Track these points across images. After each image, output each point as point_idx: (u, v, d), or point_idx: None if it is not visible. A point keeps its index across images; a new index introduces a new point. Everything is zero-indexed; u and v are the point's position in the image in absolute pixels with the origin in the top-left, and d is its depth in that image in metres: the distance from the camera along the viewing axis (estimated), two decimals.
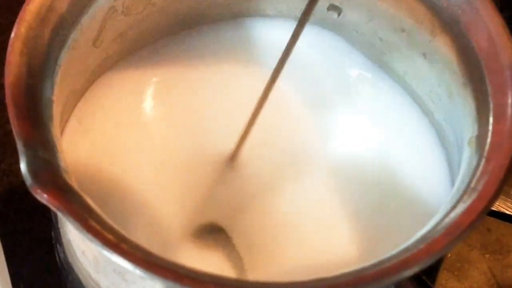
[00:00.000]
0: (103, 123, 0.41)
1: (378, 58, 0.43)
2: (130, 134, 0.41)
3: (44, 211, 0.46)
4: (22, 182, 0.49)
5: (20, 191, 0.50)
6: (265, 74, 0.38)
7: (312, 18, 0.44)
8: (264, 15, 0.45)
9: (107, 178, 0.40)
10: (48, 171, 0.30)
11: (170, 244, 0.39)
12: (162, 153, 0.42)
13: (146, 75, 0.43)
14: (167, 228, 0.40)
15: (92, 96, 0.41)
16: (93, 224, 0.30)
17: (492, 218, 0.48)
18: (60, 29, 0.35)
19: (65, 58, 0.36)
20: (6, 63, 0.33)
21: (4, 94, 0.53)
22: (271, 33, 0.45)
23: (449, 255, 0.47)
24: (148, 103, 0.42)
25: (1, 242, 0.43)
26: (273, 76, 0.36)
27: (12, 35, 0.34)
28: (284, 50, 0.36)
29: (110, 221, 0.30)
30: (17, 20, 0.34)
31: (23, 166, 0.30)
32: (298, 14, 0.44)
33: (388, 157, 0.41)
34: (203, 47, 0.44)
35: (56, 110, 0.34)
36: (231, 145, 0.40)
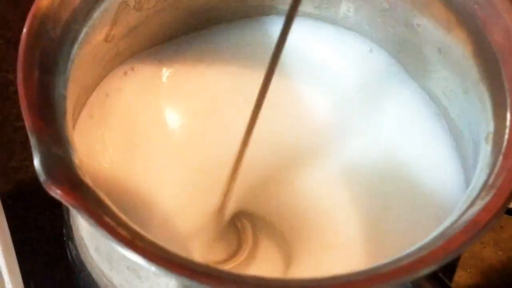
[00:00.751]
0: (114, 118, 0.41)
1: (392, 54, 0.43)
2: (141, 129, 0.41)
3: (55, 207, 0.46)
4: (32, 179, 0.49)
5: (30, 187, 0.49)
6: (281, 73, 0.37)
7: (325, 13, 0.44)
8: (279, 14, 0.44)
9: (118, 173, 0.39)
10: (61, 167, 0.30)
11: (182, 243, 0.39)
12: (174, 148, 0.41)
13: (158, 71, 0.42)
14: (182, 226, 0.39)
15: (103, 90, 0.41)
16: (108, 220, 0.29)
17: (505, 215, 0.48)
18: (72, 24, 0.35)
19: (77, 54, 0.35)
20: (18, 59, 0.33)
21: (12, 90, 0.53)
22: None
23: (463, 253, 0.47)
24: (159, 99, 0.42)
25: (12, 239, 0.43)
26: (268, 75, 0.35)
27: (24, 30, 0.33)
28: (275, 48, 0.35)
29: (125, 218, 0.30)
30: (29, 16, 0.34)
31: (36, 163, 0.30)
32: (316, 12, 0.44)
33: (401, 153, 0.41)
34: (216, 44, 0.43)
35: (69, 106, 0.34)
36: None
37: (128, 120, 0.41)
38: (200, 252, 0.42)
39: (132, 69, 0.42)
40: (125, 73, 0.42)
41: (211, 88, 0.43)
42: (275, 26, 0.44)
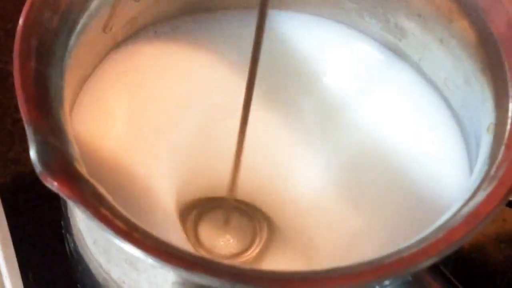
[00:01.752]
0: (110, 103, 0.40)
1: (393, 44, 0.43)
2: (137, 113, 0.40)
3: (53, 200, 0.46)
4: (31, 171, 0.48)
5: (29, 180, 0.49)
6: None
7: (326, 4, 0.43)
8: (285, 9, 0.44)
9: (111, 160, 0.39)
10: (58, 158, 0.30)
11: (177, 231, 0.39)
12: (167, 135, 0.41)
13: (154, 56, 0.42)
14: (170, 212, 0.39)
15: (99, 74, 0.40)
16: (105, 212, 0.29)
17: (507, 208, 0.48)
18: (69, 14, 0.35)
19: (74, 44, 0.35)
20: (15, 50, 0.33)
21: (11, 82, 0.53)
22: (292, 28, 0.44)
23: (464, 245, 0.47)
24: (154, 83, 0.41)
25: (10, 231, 0.43)
26: (251, 72, 0.35)
27: (20, 21, 0.33)
28: (254, 45, 0.35)
29: (122, 209, 0.30)
30: (25, 6, 0.34)
31: (32, 154, 0.30)
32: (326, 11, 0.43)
33: (405, 143, 0.41)
34: (215, 33, 0.43)
35: (66, 97, 0.33)
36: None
37: (124, 103, 0.40)
38: (210, 244, 0.42)
39: (128, 52, 0.41)
40: (121, 56, 0.41)
41: (208, 75, 0.42)
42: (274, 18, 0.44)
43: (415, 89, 0.42)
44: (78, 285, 0.41)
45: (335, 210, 0.41)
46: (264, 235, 0.44)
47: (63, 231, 0.41)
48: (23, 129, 0.49)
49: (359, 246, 0.39)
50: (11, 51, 0.45)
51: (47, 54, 0.33)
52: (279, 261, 0.43)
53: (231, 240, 0.44)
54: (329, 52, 0.44)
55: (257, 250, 0.44)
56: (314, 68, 0.43)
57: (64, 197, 0.29)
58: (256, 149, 0.43)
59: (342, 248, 0.40)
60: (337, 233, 0.41)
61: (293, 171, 0.43)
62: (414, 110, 0.41)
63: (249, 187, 0.43)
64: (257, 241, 0.44)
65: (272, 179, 0.44)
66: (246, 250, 0.44)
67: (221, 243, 0.44)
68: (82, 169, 0.31)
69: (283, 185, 0.44)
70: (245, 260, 0.44)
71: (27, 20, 0.33)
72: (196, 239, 0.43)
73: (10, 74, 0.53)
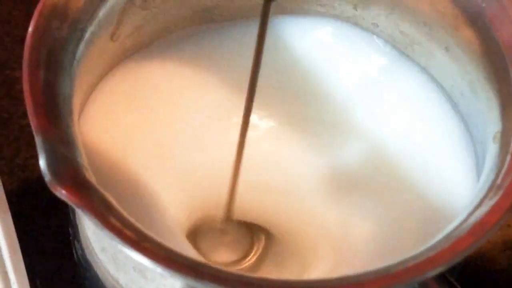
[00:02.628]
0: (117, 113, 0.40)
1: (400, 51, 0.43)
2: (143, 123, 0.41)
3: (61, 207, 0.46)
4: (38, 177, 0.49)
5: (36, 186, 0.49)
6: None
7: (331, 11, 0.43)
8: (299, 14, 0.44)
9: (118, 169, 0.39)
10: (67, 167, 0.30)
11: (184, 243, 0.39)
12: (172, 145, 0.41)
13: (161, 66, 0.42)
14: (179, 226, 0.39)
15: (107, 84, 0.40)
16: (113, 221, 0.29)
17: None
18: (78, 23, 0.35)
19: (83, 53, 0.35)
20: (24, 58, 0.33)
21: (18, 88, 0.53)
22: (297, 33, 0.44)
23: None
24: (162, 94, 0.42)
25: (18, 237, 0.43)
26: (252, 81, 0.35)
27: (30, 29, 0.33)
28: (255, 53, 0.35)
29: (131, 218, 0.30)
30: (35, 14, 0.34)
31: (42, 162, 0.30)
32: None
33: (411, 150, 0.41)
34: (222, 43, 0.43)
35: (75, 105, 0.34)
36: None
37: (129, 112, 0.41)
38: (206, 251, 0.42)
39: (136, 62, 0.41)
40: (129, 67, 0.41)
41: (215, 85, 0.42)
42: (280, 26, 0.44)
43: (423, 95, 0.42)
44: None
45: (337, 217, 0.42)
46: (262, 243, 0.45)
47: (71, 238, 0.41)
48: (30, 135, 0.49)
49: (363, 254, 0.39)
50: (18, 58, 0.45)
51: (55, 62, 0.33)
52: (277, 270, 0.43)
53: (227, 249, 0.44)
54: (336, 57, 0.44)
55: (253, 259, 0.44)
56: (319, 73, 0.43)
57: (73, 206, 0.29)
58: (259, 158, 0.43)
59: (345, 257, 0.40)
60: (339, 241, 0.41)
61: (297, 178, 0.43)
62: (422, 117, 0.41)
63: (248, 203, 0.43)
64: (254, 249, 0.44)
65: (274, 188, 0.44)
66: (243, 258, 0.44)
67: (218, 252, 0.44)
68: (91, 178, 0.31)
69: (285, 193, 0.43)
70: (241, 269, 0.44)
71: (36, 29, 0.33)
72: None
73: (16, 81, 0.53)
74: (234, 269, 0.43)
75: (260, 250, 0.44)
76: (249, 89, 0.36)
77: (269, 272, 0.43)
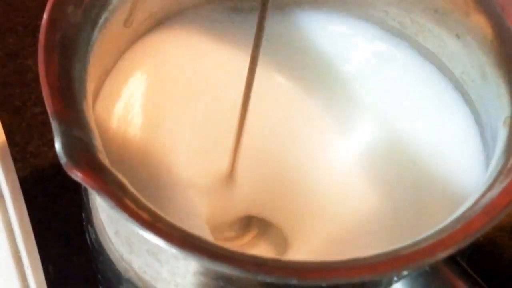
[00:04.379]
0: (131, 95, 0.40)
1: (410, 39, 0.43)
2: (158, 104, 0.41)
3: (73, 192, 0.46)
4: (50, 164, 0.49)
5: (48, 173, 0.50)
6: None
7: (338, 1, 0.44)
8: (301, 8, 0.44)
9: (133, 150, 0.39)
10: (82, 150, 0.30)
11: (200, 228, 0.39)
12: (192, 127, 0.41)
13: (173, 48, 0.42)
14: (199, 213, 0.40)
15: (121, 68, 0.41)
16: (128, 203, 0.30)
17: None
18: (91, 9, 0.35)
19: (97, 38, 0.35)
20: (39, 43, 0.33)
21: (30, 77, 0.54)
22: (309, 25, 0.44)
23: (479, 238, 0.47)
24: (175, 74, 0.42)
25: (31, 223, 0.43)
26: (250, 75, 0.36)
27: (45, 15, 0.34)
28: (253, 48, 0.35)
29: (145, 200, 0.30)
30: (49, 1, 0.34)
31: (57, 145, 0.30)
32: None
33: (422, 135, 0.41)
34: (234, 26, 0.43)
35: (89, 90, 0.34)
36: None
37: (148, 92, 0.41)
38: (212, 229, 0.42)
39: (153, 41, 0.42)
40: (144, 47, 0.42)
41: (229, 63, 0.43)
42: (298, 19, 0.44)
43: (433, 82, 0.42)
44: (99, 275, 0.42)
45: (347, 199, 0.42)
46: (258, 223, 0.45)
47: (84, 223, 0.42)
48: (42, 123, 0.49)
49: (369, 235, 0.40)
50: (30, 46, 0.45)
51: (70, 47, 0.34)
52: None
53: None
54: (346, 47, 0.44)
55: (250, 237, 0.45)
56: (331, 63, 0.44)
57: (89, 188, 0.30)
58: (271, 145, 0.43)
59: (354, 239, 0.40)
60: (344, 221, 0.41)
61: (313, 164, 0.43)
62: (432, 103, 0.41)
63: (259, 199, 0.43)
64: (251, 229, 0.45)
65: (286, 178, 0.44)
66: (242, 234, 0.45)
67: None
68: (106, 160, 0.31)
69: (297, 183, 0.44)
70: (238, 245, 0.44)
71: (51, 14, 0.34)
72: None
73: (29, 69, 0.54)
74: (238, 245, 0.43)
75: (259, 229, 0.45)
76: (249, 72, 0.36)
77: (269, 251, 0.43)
